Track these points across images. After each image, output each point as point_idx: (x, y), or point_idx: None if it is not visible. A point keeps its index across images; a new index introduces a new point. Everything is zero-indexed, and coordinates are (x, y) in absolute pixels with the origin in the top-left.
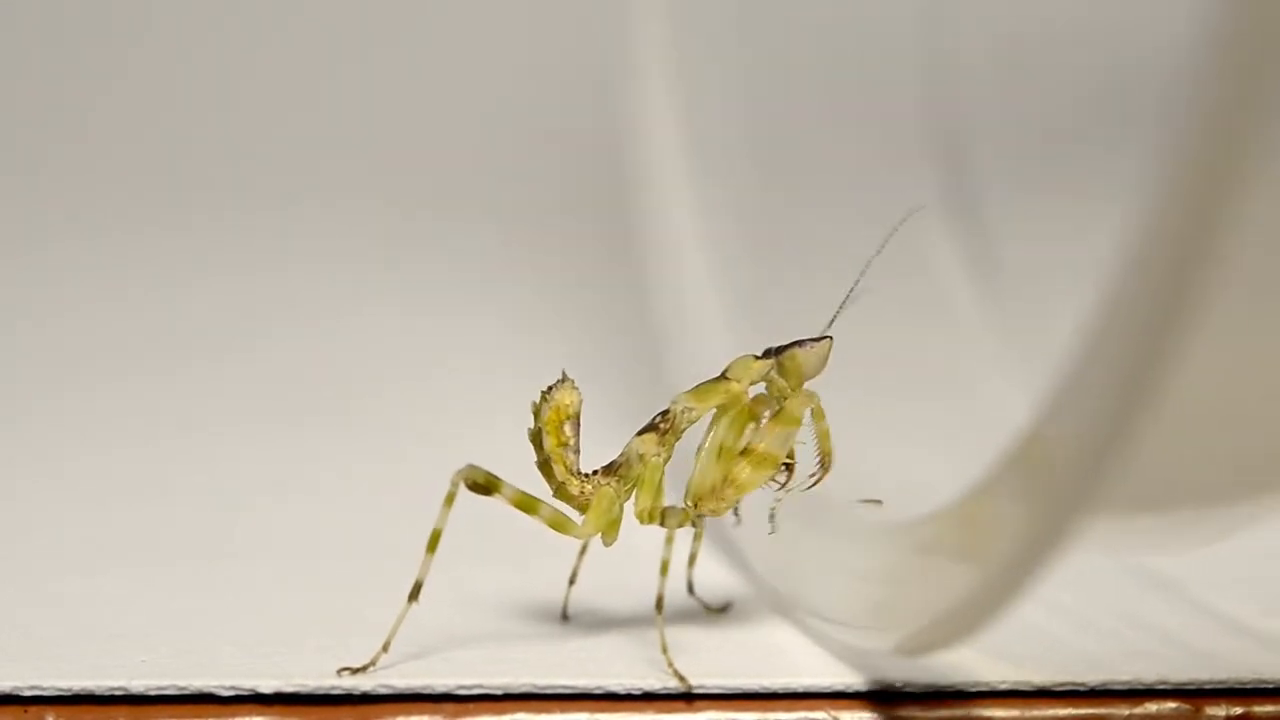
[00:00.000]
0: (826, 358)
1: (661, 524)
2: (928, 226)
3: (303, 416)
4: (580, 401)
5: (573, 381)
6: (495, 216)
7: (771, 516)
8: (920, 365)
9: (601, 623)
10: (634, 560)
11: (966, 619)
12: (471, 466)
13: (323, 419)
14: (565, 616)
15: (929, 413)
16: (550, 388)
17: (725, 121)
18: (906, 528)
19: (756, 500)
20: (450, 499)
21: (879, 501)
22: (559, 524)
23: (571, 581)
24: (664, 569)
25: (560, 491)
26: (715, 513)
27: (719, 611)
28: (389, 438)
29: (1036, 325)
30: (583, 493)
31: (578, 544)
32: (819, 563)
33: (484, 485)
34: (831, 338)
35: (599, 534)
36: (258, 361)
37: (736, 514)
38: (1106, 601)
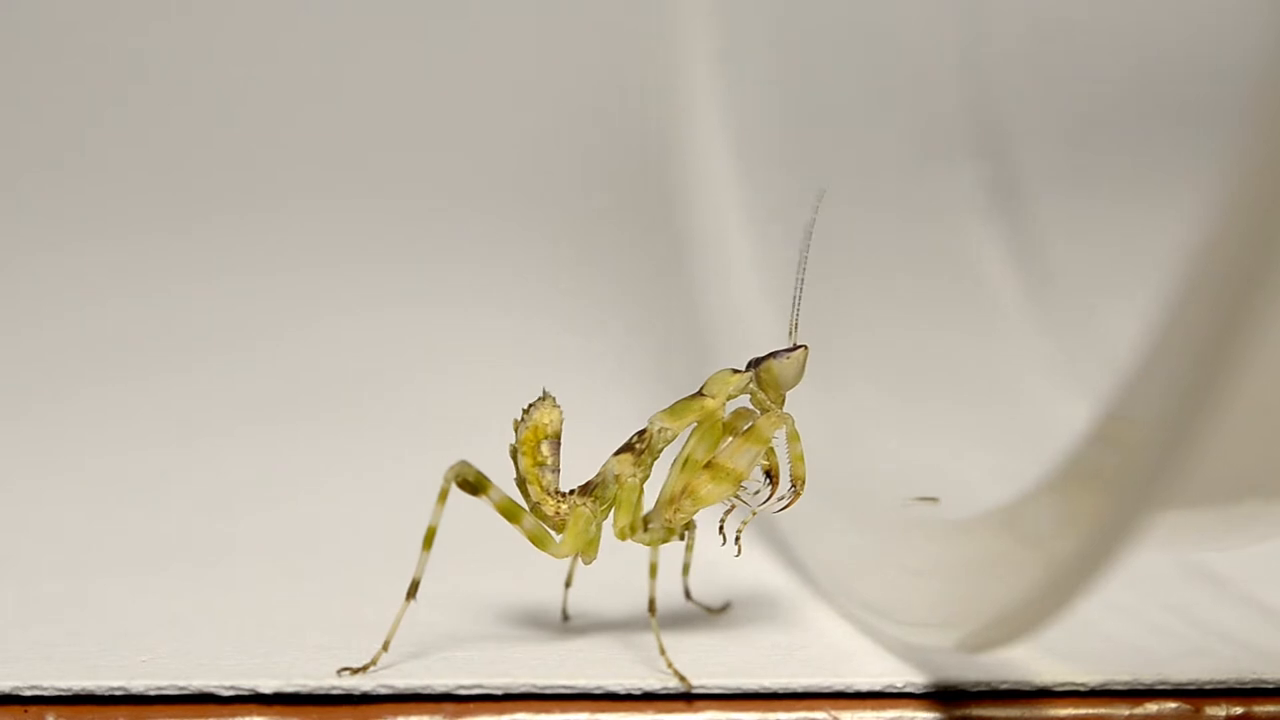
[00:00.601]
0: (803, 367)
1: (644, 534)
2: (974, 226)
3: (303, 418)
4: (561, 420)
5: (554, 399)
6: (534, 218)
7: (737, 538)
8: (972, 365)
9: (601, 623)
10: (633, 560)
11: (1029, 616)
12: (463, 463)
13: (323, 420)
14: (566, 617)
15: (981, 412)
16: (530, 406)
17: (768, 121)
18: (963, 525)
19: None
20: (443, 495)
21: (935, 499)
22: (538, 539)
23: (567, 584)
24: (653, 572)
25: (536, 510)
26: (670, 523)
27: (718, 612)
28: (389, 438)
29: (1088, 323)
30: (557, 513)
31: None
32: (872, 559)
33: (473, 484)
34: (806, 346)
35: (576, 554)
36: (258, 362)
37: (737, 543)
38: (1158, 597)
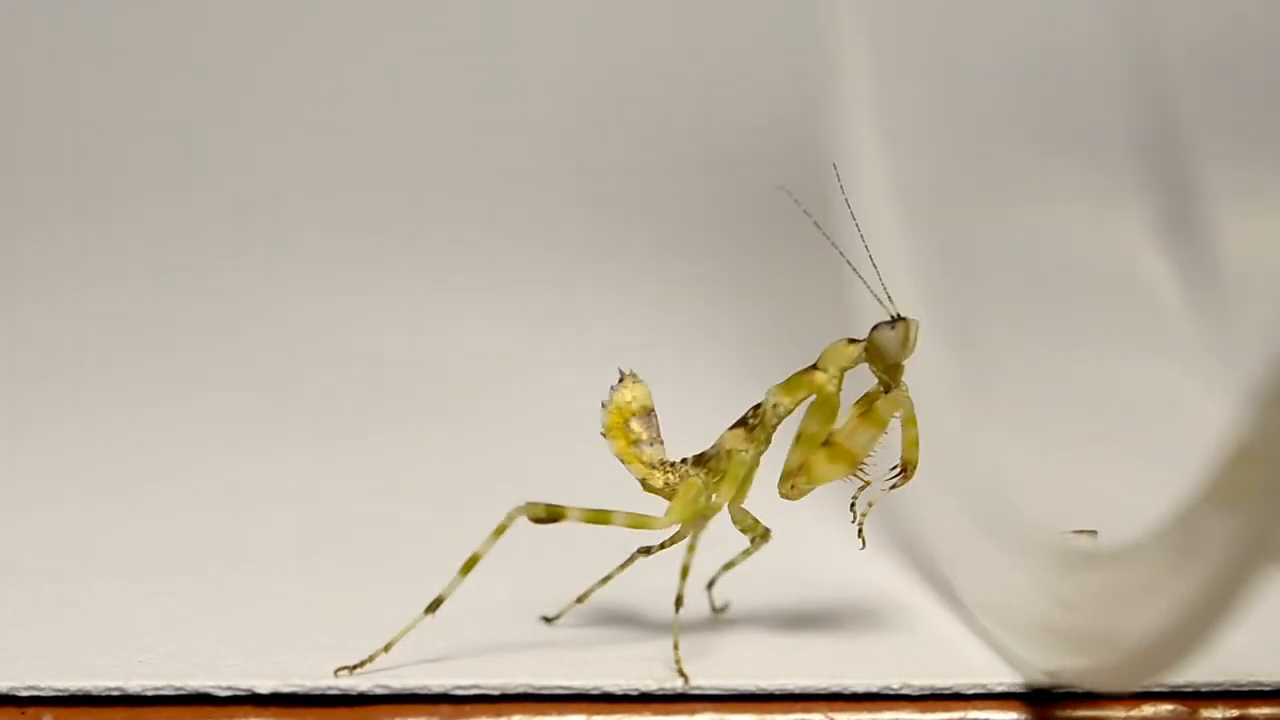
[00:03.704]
0: (907, 339)
1: (733, 521)
2: (1141, 241)
3: (302, 417)
4: (648, 393)
5: (634, 375)
6: (684, 224)
7: (860, 532)
8: (1141, 390)
9: (598, 623)
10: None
11: (1163, 654)
12: (530, 503)
13: (322, 420)
14: (550, 619)
15: (1142, 436)
16: (612, 388)
17: (925, 135)
18: (1108, 555)
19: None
20: (501, 530)
21: (1094, 532)
22: (639, 523)
23: (580, 599)
24: (684, 573)
25: (646, 486)
26: (788, 497)
27: (718, 612)
28: (389, 439)
29: (1256, 346)
30: (667, 483)
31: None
32: (1007, 575)
33: (547, 517)
34: (909, 320)
35: (683, 524)
36: (259, 362)
37: (860, 536)
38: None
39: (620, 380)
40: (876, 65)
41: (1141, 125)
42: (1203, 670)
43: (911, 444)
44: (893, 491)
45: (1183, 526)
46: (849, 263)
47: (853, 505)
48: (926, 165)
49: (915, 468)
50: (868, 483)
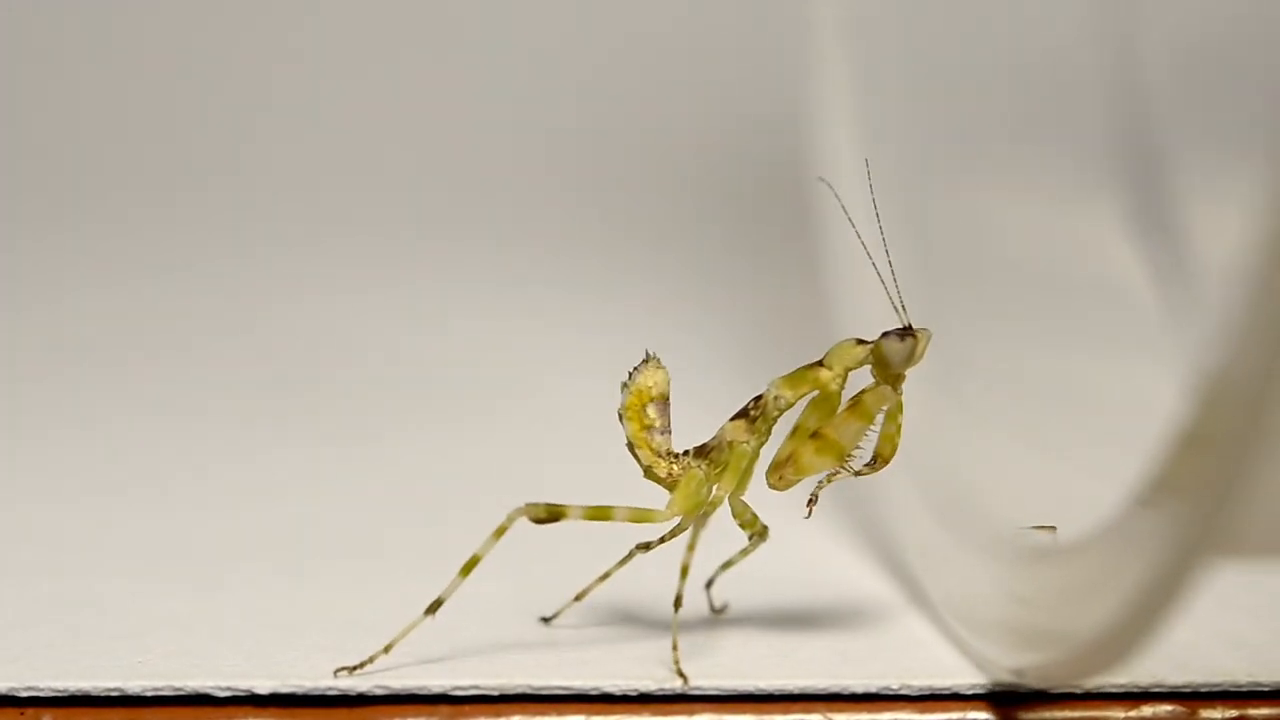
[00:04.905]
0: (913, 351)
1: (733, 514)
2: (1113, 239)
3: (304, 417)
4: (667, 380)
5: (658, 360)
6: (667, 219)
7: (811, 500)
8: (1110, 388)
9: (598, 624)
10: (632, 561)
11: (1113, 648)
12: (530, 503)
13: (323, 419)
14: (548, 619)
15: (1112, 433)
16: (634, 369)
17: (902, 131)
18: (1066, 551)
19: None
20: (501, 531)
21: (1053, 528)
22: (640, 517)
23: (578, 597)
24: (684, 572)
25: (649, 474)
26: (775, 488)
27: (717, 613)
28: (389, 439)
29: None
30: (670, 474)
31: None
32: (973, 573)
33: (548, 517)
34: (917, 332)
35: (684, 516)
36: (259, 360)
37: (809, 505)
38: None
39: (644, 361)
40: (858, 66)
41: (1115, 124)
42: (1202, 670)
43: (887, 439)
44: (858, 478)
45: (1128, 519)
46: (874, 266)
47: (814, 495)
48: (901, 163)
49: (886, 461)
50: (855, 473)
